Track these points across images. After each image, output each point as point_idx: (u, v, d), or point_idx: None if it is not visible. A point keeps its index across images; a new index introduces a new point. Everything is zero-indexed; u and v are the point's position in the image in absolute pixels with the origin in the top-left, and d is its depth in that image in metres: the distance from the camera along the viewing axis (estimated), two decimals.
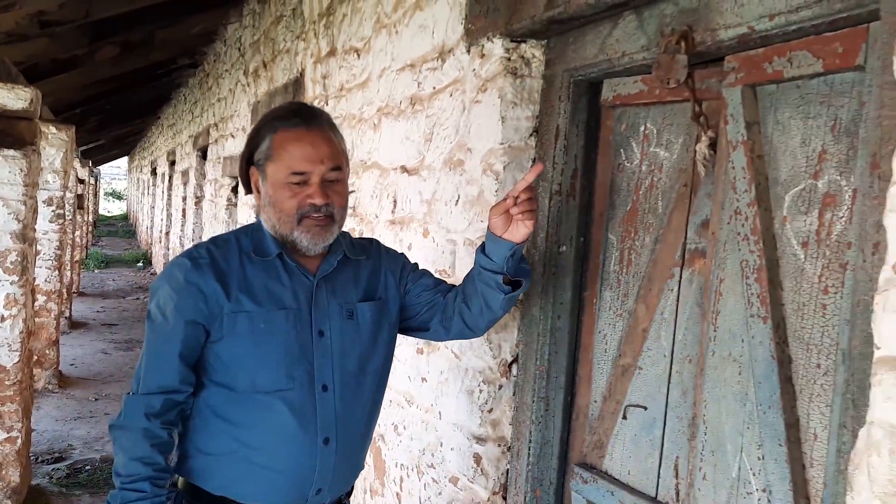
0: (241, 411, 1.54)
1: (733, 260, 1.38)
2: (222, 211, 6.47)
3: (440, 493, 2.10)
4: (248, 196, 5.06)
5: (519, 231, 1.54)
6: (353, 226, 2.97)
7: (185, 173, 10.07)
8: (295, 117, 1.55)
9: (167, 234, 12.64)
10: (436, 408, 2.18)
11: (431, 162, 2.24)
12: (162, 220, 13.37)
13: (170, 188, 12.62)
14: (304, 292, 1.59)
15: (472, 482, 1.96)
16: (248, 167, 1.61)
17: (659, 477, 1.61)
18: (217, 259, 1.55)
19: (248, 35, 5.53)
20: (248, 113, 5.31)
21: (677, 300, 1.58)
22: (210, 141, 7.39)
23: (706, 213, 1.50)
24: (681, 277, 1.57)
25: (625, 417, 1.70)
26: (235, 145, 5.94)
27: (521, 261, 1.62)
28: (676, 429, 1.56)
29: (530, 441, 1.87)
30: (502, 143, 1.86)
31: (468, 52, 2.03)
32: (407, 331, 1.79)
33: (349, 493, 1.73)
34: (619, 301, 1.74)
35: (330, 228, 1.56)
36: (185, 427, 1.59)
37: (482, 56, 1.96)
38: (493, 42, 1.90)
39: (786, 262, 1.29)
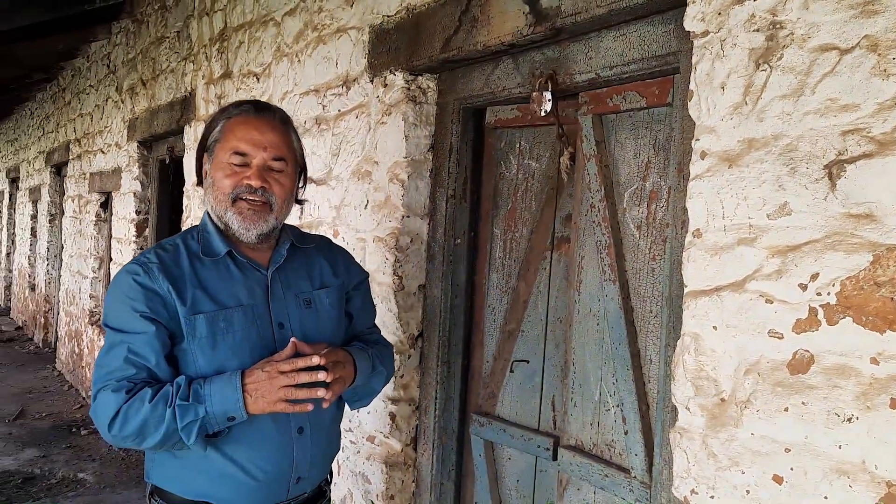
0: None
1: (590, 242, 1.88)
2: (90, 227, 6.41)
3: (359, 452, 2.47)
4: (127, 210, 5.18)
5: None
6: None
7: (33, 190, 9.62)
8: (247, 105, 1.60)
9: (7, 255, 11.92)
10: None
11: (339, 173, 2.62)
12: (1, 240, 12.55)
13: (10, 206, 11.91)
14: (260, 287, 1.57)
15: (387, 437, 2.36)
16: (202, 157, 1.62)
17: (540, 413, 2.09)
18: (167, 263, 1.52)
19: (121, 53, 5.59)
20: (125, 129, 5.38)
21: (549, 276, 2.07)
22: (70, 157, 7.23)
23: (569, 209, 1.99)
24: (551, 259, 2.06)
25: (511, 371, 2.16)
26: (106, 161, 5.94)
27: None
28: (552, 374, 2.05)
29: (436, 398, 2.30)
30: (406, 157, 2.29)
31: (372, 81, 2.44)
32: None
33: (329, 480, 1.76)
34: (504, 280, 2.21)
35: (264, 215, 1.55)
36: None
37: (385, 85, 2.37)
38: (395, 74, 2.33)
39: (627, 241, 1.81)
